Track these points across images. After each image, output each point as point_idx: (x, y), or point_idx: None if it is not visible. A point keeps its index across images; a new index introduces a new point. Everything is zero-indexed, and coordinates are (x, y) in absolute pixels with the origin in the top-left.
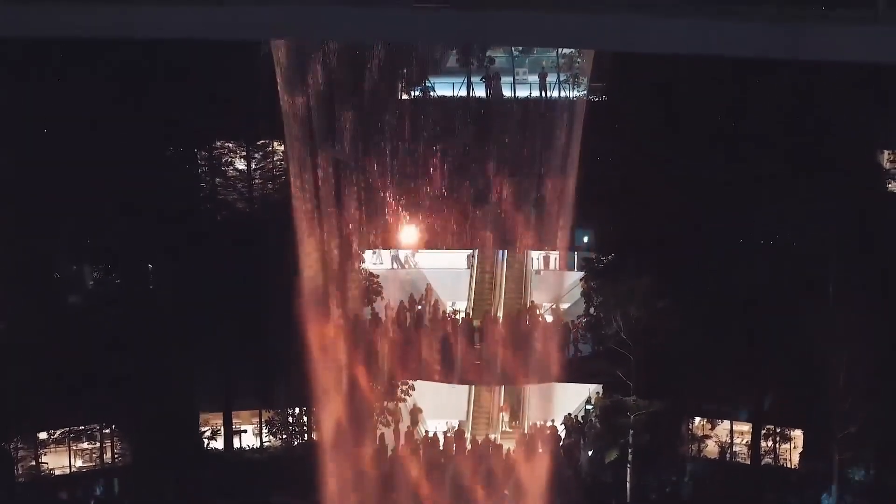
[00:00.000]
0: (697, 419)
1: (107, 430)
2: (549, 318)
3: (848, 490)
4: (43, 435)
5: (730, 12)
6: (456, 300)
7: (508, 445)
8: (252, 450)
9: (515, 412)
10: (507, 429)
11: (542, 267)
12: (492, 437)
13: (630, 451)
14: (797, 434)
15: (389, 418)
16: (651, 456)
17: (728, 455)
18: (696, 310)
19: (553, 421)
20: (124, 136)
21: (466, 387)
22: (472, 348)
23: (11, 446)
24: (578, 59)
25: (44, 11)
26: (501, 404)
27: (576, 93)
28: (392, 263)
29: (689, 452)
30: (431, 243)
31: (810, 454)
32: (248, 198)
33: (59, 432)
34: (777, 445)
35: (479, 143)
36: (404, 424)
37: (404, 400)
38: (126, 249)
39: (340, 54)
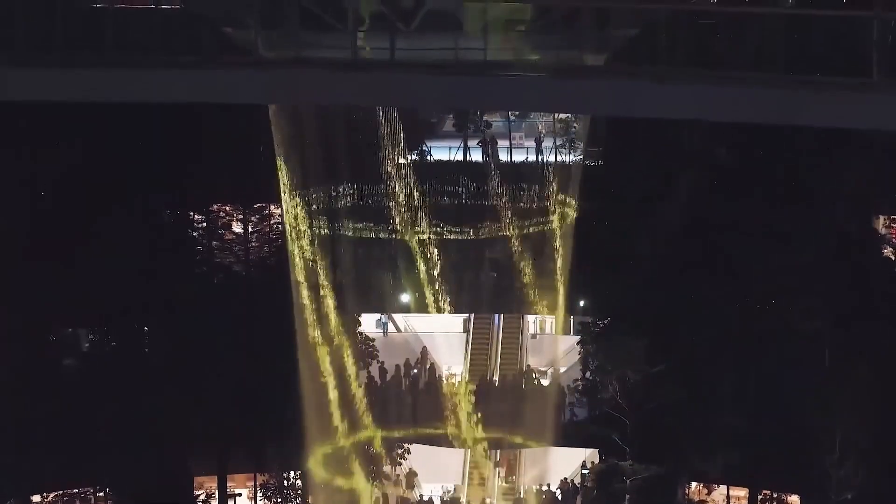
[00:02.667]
0: (694, 484)
1: (101, 494)
2: (545, 382)
3: None
4: (37, 498)
5: (727, 78)
6: (452, 364)
7: None
8: None
9: (512, 467)
10: (504, 483)
11: (537, 331)
12: (487, 501)
13: None
14: (794, 499)
15: (385, 482)
16: None
17: None
18: (692, 374)
19: (549, 485)
20: (120, 199)
21: (462, 450)
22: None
23: None
24: (575, 124)
25: (38, 76)
26: (498, 459)
27: (572, 157)
28: (383, 328)
29: None
30: (428, 307)
31: None
32: (244, 261)
33: (52, 495)
34: None
35: (476, 207)
36: (400, 488)
37: (400, 463)
38: (121, 312)
39: (337, 118)
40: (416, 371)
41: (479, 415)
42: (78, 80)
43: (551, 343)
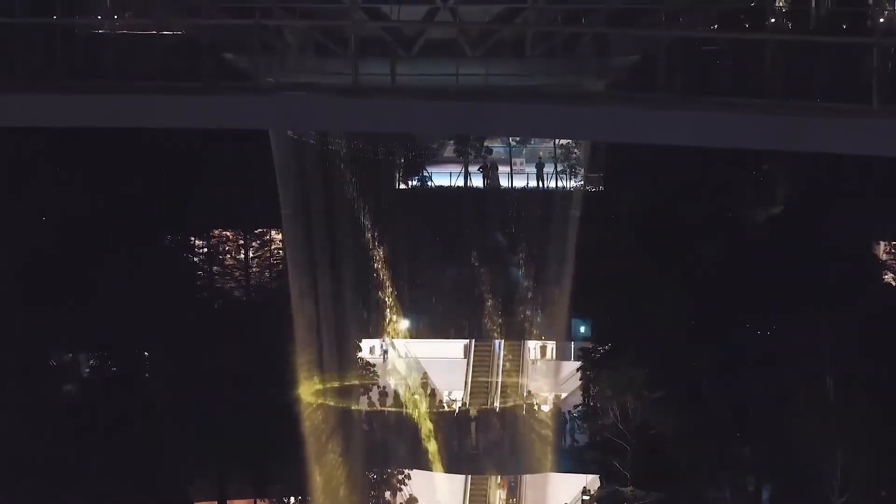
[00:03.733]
0: None
1: None
2: (546, 408)
3: None
4: None
5: (728, 104)
6: (452, 389)
7: None
8: None
9: (513, 492)
10: None
11: (538, 356)
12: None
13: None
14: None
15: None
16: None
17: None
18: (693, 400)
19: None
20: (122, 225)
21: (462, 476)
22: (468, 438)
23: None
24: (575, 150)
25: (40, 101)
26: (499, 481)
27: (572, 183)
28: (383, 354)
29: None
30: (428, 333)
31: None
32: (244, 286)
33: None
34: None
35: (477, 233)
36: None
37: (401, 489)
38: (121, 337)
39: (338, 143)
40: (416, 397)
41: None
42: (79, 106)
43: (552, 369)
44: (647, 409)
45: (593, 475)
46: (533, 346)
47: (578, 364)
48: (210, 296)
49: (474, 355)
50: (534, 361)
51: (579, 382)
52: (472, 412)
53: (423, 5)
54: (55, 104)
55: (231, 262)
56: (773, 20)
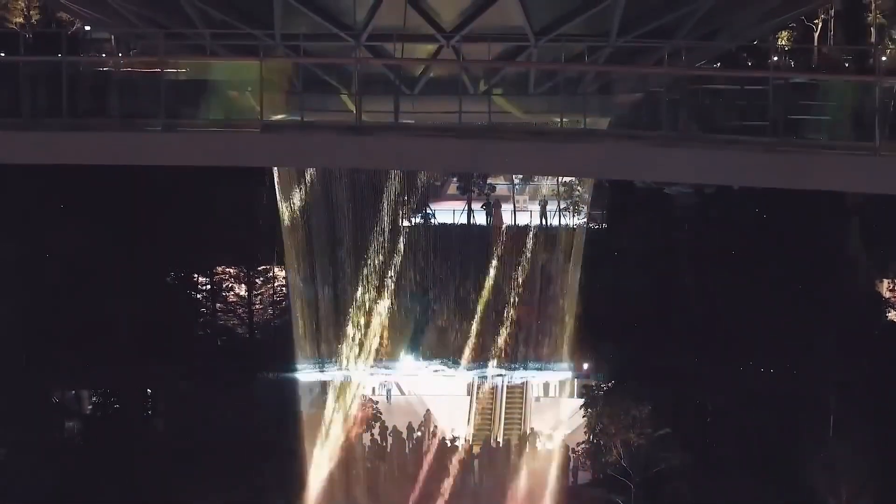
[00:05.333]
0: None
1: None
2: (549, 446)
3: None
4: None
5: (732, 142)
6: (455, 427)
7: None
8: None
9: None
10: None
11: (541, 394)
12: None
13: None
14: None
15: None
16: None
17: None
18: (697, 438)
19: None
20: (125, 262)
21: None
22: (471, 474)
23: None
24: (578, 187)
25: (45, 139)
26: None
27: (576, 220)
28: (387, 394)
29: None
30: (431, 368)
31: None
32: (248, 323)
33: None
34: None
35: (479, 270)
36: None
37: None
38: (124, 374)
39: (340, 180)
40: (419, 434)
41: None
42: (84, 143)
43: (555, 406)
44: (650, 447)
45: None
46: (536, 383)
47: (582, 401)
48: (213, 333)
49: (478, 392)
50: (537, 398)
51: (582, 420)
52: (476, 449)
53: (427, 43)
54: (60, 142)
55: (234, 299)
56: (775, 58)
